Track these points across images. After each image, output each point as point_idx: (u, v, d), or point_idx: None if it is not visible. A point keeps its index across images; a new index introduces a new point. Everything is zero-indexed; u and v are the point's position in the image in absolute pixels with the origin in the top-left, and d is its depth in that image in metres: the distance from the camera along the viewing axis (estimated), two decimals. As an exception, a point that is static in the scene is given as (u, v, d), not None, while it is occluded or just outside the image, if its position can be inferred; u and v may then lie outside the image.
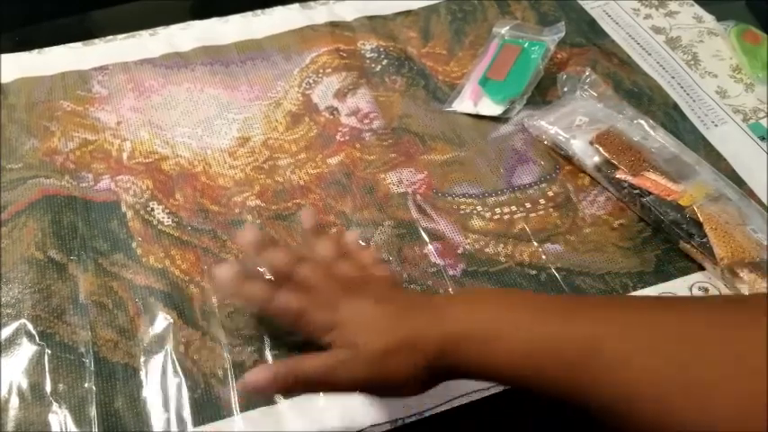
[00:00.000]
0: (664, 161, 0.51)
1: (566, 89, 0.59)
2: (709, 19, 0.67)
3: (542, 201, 0.52)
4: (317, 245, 0.44)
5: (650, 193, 0.49)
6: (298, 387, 0.38)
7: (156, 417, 0.40)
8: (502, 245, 0.49)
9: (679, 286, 0.47)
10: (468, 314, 0.36)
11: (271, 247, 0.42)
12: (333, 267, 0.42)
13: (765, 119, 0.58)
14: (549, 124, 0.55)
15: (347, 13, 0.67)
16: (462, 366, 0.35)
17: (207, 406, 0.41)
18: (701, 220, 0.47)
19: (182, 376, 0.42)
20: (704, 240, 0.46)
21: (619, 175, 0.51)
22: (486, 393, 0.42)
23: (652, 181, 0.50)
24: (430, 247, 0.49)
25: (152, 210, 0.51)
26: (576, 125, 0.55)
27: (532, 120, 0.57)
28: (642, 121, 0.55)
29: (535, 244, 0.49)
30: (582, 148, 0.53)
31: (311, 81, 0.60)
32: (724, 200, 0.48)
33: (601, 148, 0.52)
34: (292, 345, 0.44)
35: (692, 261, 0.48)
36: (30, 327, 0.43)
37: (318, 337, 0.39)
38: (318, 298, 0.39)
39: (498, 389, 0.42)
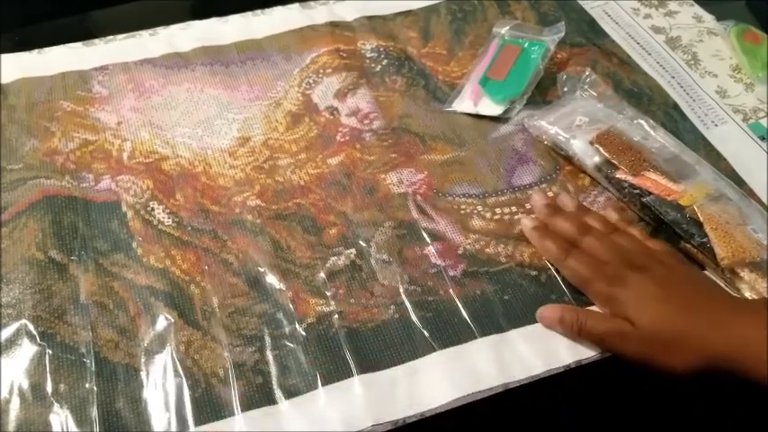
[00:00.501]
0: (664, 161, 0.51)
1: (566, 89, 0.59)
2: (708, 19, 0.67)
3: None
4: (590, 219, 0.48)
5: (650, 193, 0.49)
6: (577, 336, 0.43)
7: (157, 417, 0.40)
8: (502, 245, 0.49)
9: (679, 286, 0.47)
10: (751, 330, 0.39)
11: (558, 212, 0.48)
12: (615, 241, 0.46)
13: (765, 119, 0.58)
14: (549, 124, 0.55)
15: (347, 13, 0.67)
16: (737, 372, 0.38)
17: (208, 406, 0.41)
18: (701, 220, 0.47)
19: (182, 376, 0.42)
20: (704, 240, 0.46)
21: (619, 175, 0.51)
22: (486, 395, 0.42)
23: (652, 181, 0.50)
24: (430, 247, 0.49)
25: (152, 210, 0.51)
26: (576, 125, 0.55)
27: (532, 120, 0.57)
28: (642, 121, 0.55)
29: (536, 244, 0.50)
30: (582, 148, 0.53)
31: (311, 81, 0.61)
32: (724, 200, 0.48)
33: (601, 148, 0.52)
34: None
35: (692, 261, 0.48)
36: (30, 327, 0.43)
37: (601, 305, 0.43)
38: (605, 269, 0.44)
39: (496, 391, 0.42)
